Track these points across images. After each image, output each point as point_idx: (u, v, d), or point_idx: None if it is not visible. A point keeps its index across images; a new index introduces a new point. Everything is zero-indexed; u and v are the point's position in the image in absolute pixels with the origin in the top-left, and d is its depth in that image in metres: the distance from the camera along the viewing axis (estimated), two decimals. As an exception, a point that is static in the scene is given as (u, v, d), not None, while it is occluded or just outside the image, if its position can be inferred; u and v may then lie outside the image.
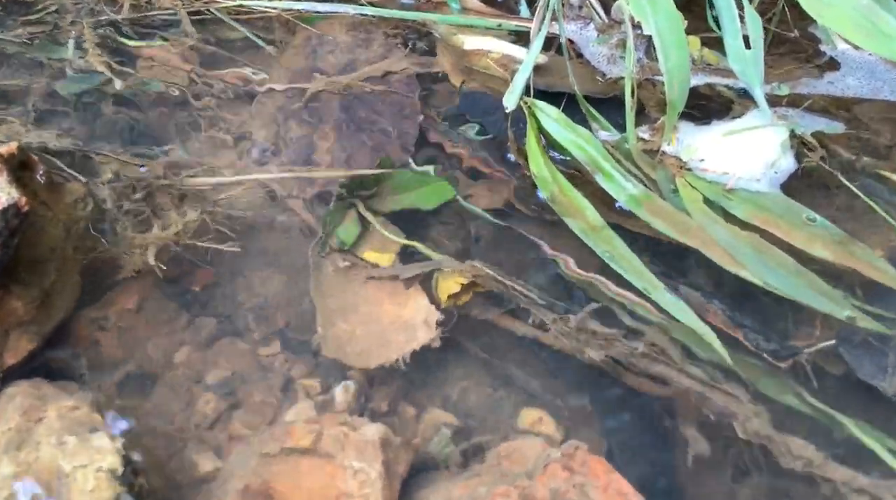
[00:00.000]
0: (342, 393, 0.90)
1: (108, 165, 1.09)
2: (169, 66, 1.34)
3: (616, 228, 1.01)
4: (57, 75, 1.31)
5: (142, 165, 1.01)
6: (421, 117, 1.22)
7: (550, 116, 1.04)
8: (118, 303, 0.99)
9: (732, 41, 1.00)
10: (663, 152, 1.06)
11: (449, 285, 0.93)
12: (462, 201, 1.09)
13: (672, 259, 0.99)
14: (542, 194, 1.01)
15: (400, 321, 0.94)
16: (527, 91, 1.15)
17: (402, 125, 1.23)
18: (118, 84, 1.26)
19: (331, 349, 0.91)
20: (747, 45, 1.01)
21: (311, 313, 0.99)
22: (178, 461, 0.82)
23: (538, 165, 1.02)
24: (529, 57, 1.04)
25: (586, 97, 1.16)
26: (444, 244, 1.07)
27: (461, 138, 1.19)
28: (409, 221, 1.09)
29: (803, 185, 1.07)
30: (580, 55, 1.26)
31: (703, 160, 1.05)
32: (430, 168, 1.12)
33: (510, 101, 1.04)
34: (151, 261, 0.99)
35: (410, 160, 1.15)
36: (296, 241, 1.11)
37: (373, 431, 0.77)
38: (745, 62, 0.98)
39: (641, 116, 1.17)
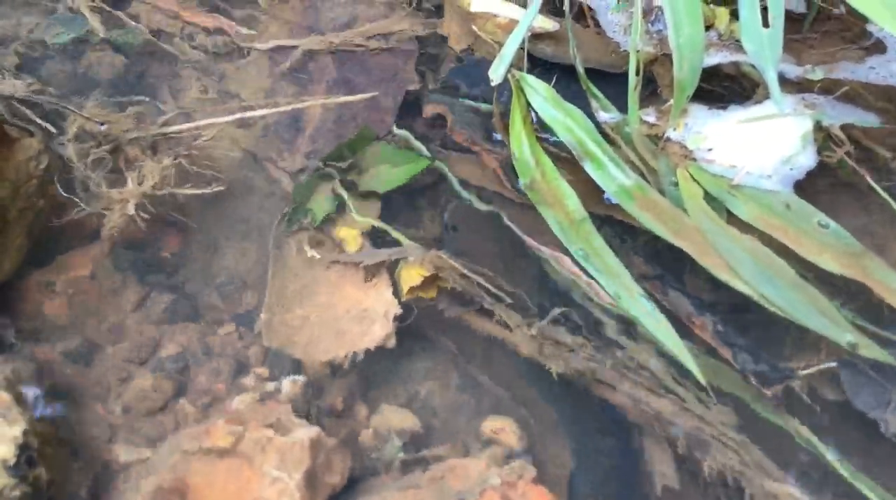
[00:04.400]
0: (290, 387, 0.84)
1: (75, 119, 1.03)
2: (163, 11, 1.27)
3: (611, 221, 0.92)
4: (48, 19, 1.26)
5: (101, 123, 0.95)
6: (411, 86, 1.13)
7: (539, 92, 0.94)
8: (71, 269, 0.94)
9: (748, 14, 0.87)
10: (668, 139, 0.96)
11: (411, 275, 0.86)
12: (450, 181, 1.00)
13: (671, 261, 0.90)
14: (521, 180, 0.92)
15: (358, 311, 0.87)
16: (531, 62, 1.05)
17: (392, 92, 1.14)
18: (101, 31, 1.20)
19: (274, 337, 0.85)
20: (766, 23, 0.89)
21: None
22: (104, 446, 0.78)
23: (520, 146, 0.93)
24: (522, 23, 0.94)
25: (599, 72, 1.06)
26: (425, 228, 0.99)
27: (455, 110, 1.10)
28: (392, 199, 1.01)
29: (825, 184, 0.96)
30: (597, 24, 1.15)
31: (710, 150, 0.94)
32: (410, 139, 1.03)
33: (496, 72, 0.94)
34: (131, 212, 0.93)
35: (394, 129, 1.07)
36: (277, 212, 1.04)
37: (303, 434, 0.71)
38: (760, 41, 0.86)
39: (654, 97, 1.06)
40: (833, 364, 0.79)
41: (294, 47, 1.21)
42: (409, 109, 1.12)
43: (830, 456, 0.75)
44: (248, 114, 1.10)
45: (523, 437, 0.82)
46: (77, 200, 0.95)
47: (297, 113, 1.16)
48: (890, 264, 0.92)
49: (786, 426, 0.78)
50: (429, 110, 1.10)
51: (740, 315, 0.85)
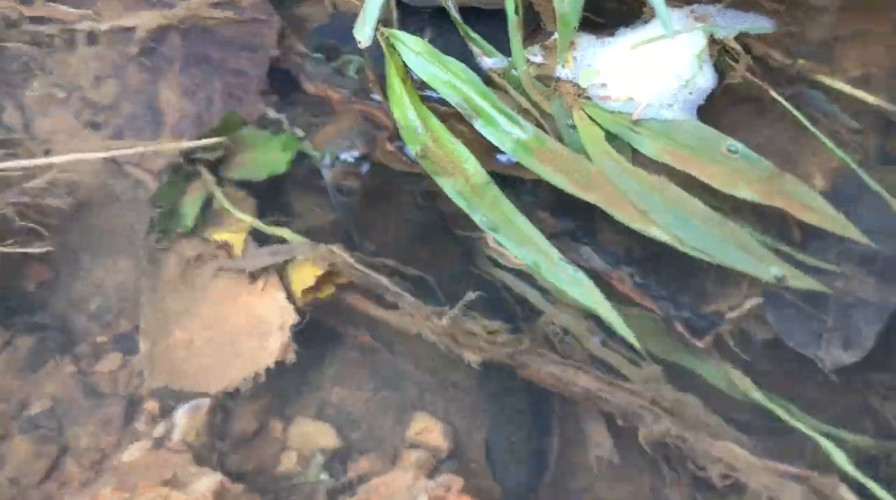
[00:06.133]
0: (186, 419, 0.76)
1: None
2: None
3: (510, 178, 0.84)
4: None
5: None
6: (276, 52, 1.01)
7: (412, 49, 0.84)
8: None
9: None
10: (558, 78, 0.88)
11: (303, 277, 0.77)
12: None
13: (580, 212, 0.83)
14: (410, 150, 0.83)
15: (252, 323, 0.79)
16: (402, 12, 0.95)
17: (255, 65, 1.03)
18: None
19: (159, 373, 0.76)
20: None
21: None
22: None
23: (403, 112, 0.84)
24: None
25: (478, 12, 0.96)
26: (314, 216, 0.90)
27: (331, 76, 0.99)
28: (271, 190, 0.91)
29: (727, 103, 0.90)
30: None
31: (604, 85, 0.87)
32: (281, 118, 0.92)
33: (362, 33, 0.84)
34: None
35: (265, 110, 0.96)
36: (146, 218, 0.93)
37: (204, 486, 0.63)
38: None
39: (540, 32, 0.97)
40: (759, 300, 0.75)
41: (134, 27, 1.07)
42: (280, 81, 1.01)
43: (765, 400, 0.71)
44: (85, 155, 0.95)
45: (448, 433, 0.76)
46: None
47: (151, 104, 1.03)
48: (803, 178, 0.88)
49: (721, 376, 0.74)
50: (304, 80, 0.99)
51: (659, 262, 0.80)
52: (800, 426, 0.70)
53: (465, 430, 0.77)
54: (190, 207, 0.88)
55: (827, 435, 0.71)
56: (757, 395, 0.73)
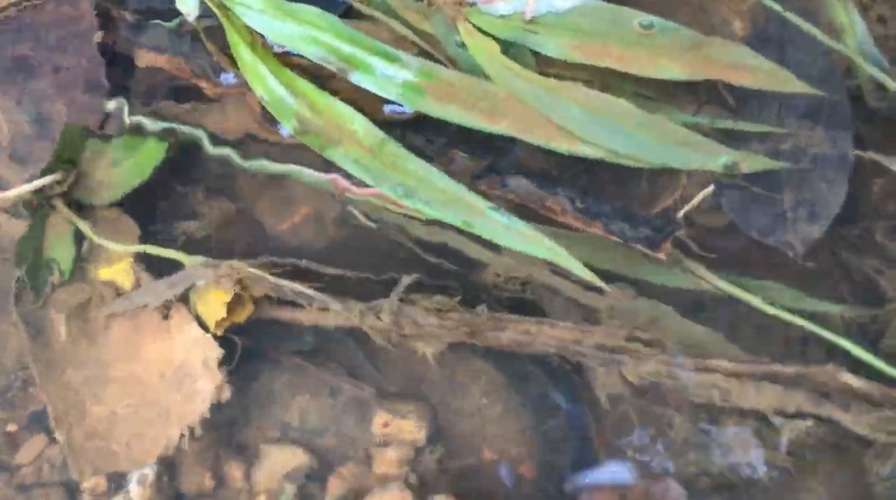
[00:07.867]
0: (138, 489, 0.67)
1: None
2: None
3: (408, 125, 0.73)
4: None
5: None
6: (99, 33, 0.85)
7: (252, 6, 0.70)
8: None
9: None
10: (431, -11, 0.75)
11: (210, 307, 0.67)
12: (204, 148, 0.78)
13: (498, 141, 0.73)
14: (285, 127, 0.71)
15: (172, 371, 0.69)
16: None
17: (83, 54, 0.87)
18: None
19: (84, 464, 0.66)
20: None
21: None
22: None
23: (264, 85, 0.71)
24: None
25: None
26: (218, 212, 0.78)
27: (173, 44, 0.84)
28: (149, 201, 0.79)
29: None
30: None
31: (485, -14, 0.75)
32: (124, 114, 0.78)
33: (185, 3, 0.69)
34: None
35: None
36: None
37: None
38: None
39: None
40: (711, 189, 0.68)
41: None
42: (121, 68, 0.86)
43: (740, 292, 0.66)
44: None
45: (422, 421, 0.69)
46: None
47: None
48: (722, 26, 0.79)
49: (688, 280, 0.68)
50: (141, 59, 0.84)
51: (595, 178, 0.72)
52: (780, 313, 0.65)
53: (442, 407, 0.71)
54: (58, 250, 0.75)
55: (810, 315, 0.66)
56: (731, 289, 0.67)
